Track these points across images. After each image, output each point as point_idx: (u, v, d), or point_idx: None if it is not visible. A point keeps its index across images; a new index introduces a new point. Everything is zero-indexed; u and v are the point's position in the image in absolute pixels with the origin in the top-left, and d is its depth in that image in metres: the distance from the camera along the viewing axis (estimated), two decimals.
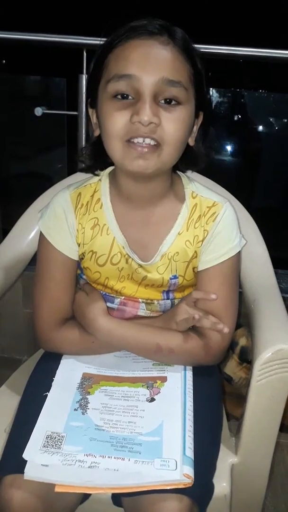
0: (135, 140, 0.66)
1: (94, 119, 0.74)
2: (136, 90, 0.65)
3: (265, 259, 1.00)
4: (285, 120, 1.85)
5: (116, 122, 0.66)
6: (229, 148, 1.85)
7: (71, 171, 1.04)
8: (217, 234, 0.78)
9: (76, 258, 0.81)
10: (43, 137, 1.83)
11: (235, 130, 1.84)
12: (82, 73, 1.25)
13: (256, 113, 1.80)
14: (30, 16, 1.45)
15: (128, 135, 0.66)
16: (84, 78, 1.24)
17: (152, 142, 0.66)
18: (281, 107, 1.81)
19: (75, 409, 0.72)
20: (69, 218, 0.79)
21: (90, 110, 0.75)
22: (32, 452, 0.65)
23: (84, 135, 1.30)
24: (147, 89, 0.64)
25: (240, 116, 1.82)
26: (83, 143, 1.29)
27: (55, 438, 0.67)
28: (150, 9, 1.33)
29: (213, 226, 0.78)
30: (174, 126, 0.66)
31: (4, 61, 1.58)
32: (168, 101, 0.66)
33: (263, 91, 1.72)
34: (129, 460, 0.65)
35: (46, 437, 0.67)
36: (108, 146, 0.70)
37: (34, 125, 1.72)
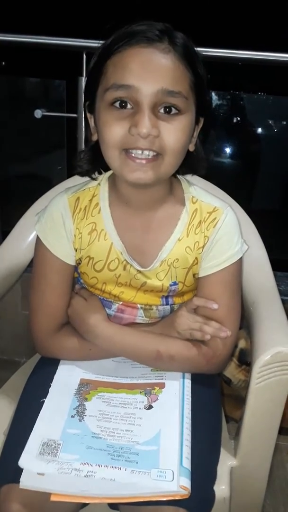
0: (133, 152, 0.65)
1: (92, 123, 0.74)
2: (135, 100, 0.63)
3: (264, 261, 1.00)
4: (284, 123, 1.86)
5: (114, 133, 0.65)
6: (228, 150, 1.85)
7: (70, 173, 1.04)
8: (218, 240, 0.77)
9: (73, 263, 0.80)
10: (42, 139, 1.83)
11: (234, 132, 1.84)
12: (81, 75, 1.25)
13: (255, 115, 1.80)
14: (30, 18, 1.45)
15: (126, 146, 0.65)
16: (83, 80, 1.25)
17: (152, 154, 0.65)
18: (280, 110, 1.81)
19: (72, 416, 0.72)
20: (67, 223, 0.78)
21: (88, 115, 0.74)
22: (28, 459, 0.64)
23: (83, 137, 1.30)
24: (146, 100, 0.63)
25: (239, 119, 1.82)
26: (83, 145, 1.29)
27: (52, 445, 0.67)
28: (150, 11, 1.34)
29: (213, 232, 0.77)
30: (174, 136, 0.65)
31: (4, 62, 1.58)
32: (168, 111, 0.65)
33: (263, 93, 1.72)
34: (125, 469, 0.64)
35: (43, 445, 0.66)
36: (105, 154, 0.69)
37: (33, 127, 1.72)
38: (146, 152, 0.65)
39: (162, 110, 0.65)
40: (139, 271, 0.78)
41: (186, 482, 0.62)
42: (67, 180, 1.02)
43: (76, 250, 0.79)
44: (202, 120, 0.74)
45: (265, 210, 1.89)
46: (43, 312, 0.80)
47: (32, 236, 1.01)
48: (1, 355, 1.55)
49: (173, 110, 0.65)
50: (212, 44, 1.16)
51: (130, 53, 0.64)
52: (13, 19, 1.45)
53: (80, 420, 0.71)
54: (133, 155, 0.65)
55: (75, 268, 0.82)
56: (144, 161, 0.65)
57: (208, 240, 0.77)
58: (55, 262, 0.78)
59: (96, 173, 0.81)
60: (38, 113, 1.31)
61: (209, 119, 0.76)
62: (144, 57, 0.63)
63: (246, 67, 1.39)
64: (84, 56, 1.23)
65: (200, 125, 0.74)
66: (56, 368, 0.80)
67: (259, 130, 1.84)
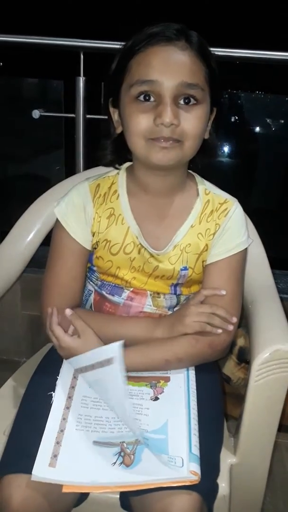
0: (157, 140, 0.72)
1: (115, 117, 0.80)
2: (158, 93, 0.70)
3: (263, 259, 1.01)
4: (282, 121, 1.86)
5: (140, 123, 0.72)
6: (226, 149, 1.85)
7: (68, 173, 1.04)
8: (228, 229, 0.83)
9: (89, 247, 0.83)
10: (40, 139, 1.83)
11: (232, 131, 1.85)
12: (79, 75, 1.25)
13: (253, 114, 1.80)
14: (27, 18, 1.45)
15: (152, 136, 0.72)
16: (81, 80, 1.25)
17: (173, 141, 0.72)
18: (278, 109, 1.81)
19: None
20: (87, 208, 0.82)
21: (111, 109, 0.80)
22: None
23: (81, 138, 1.30)
24: (168, 92, 0.70)
25: (237, 118, 1.82)
26: (81, 145, 1.30)
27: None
28: (148, 12, 1.34)
29: (224, 220, 0.83)
30: (192, 124, 0.72)
31: (1, 63, 1.58)
32: (187, 101, 0.72)
33: (260, 92, 1.72)
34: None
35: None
36: (131, 143, 0.75)
37: (31, 128, 1.72)
38: (169, 141, 0.71)
39: (182, 101, 0.72)
40: (152, 255, 0.82)
41: (196, 468, 0.64)
42: (66, 180, 1.02)
43: (93, 235, 0.83)
44: (215, 110, 0.80)
45: (263, 208, 1.89)
46: (56, 291, 0.82)
47: (31, 236, 1.02)
48: (1, 355, 1.55)
49: (192, 101, 0.72)
50: (210, 43, 1.16)
51: (152, 51, 0.71)
52: (10, 19, 1.45)
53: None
54: (157, 140, 0.72)
55: (89, 257, 0.84)
56: (168, 144, 0.72)
57: (219, 227, 0.83)
58: (72, 244, 0.82)
59: (118, 164, 0.85)
60: (36, 114, 1.31)
61: (220, 109, 0.82)
62: (165, 54, 0.71)
63: (244, 65, 1.39)
64: (82, 56, 1.22)
65: (214, 114, 0.80)
66: (62, 363, 0.80)
67: (257, 129, 1.85)
